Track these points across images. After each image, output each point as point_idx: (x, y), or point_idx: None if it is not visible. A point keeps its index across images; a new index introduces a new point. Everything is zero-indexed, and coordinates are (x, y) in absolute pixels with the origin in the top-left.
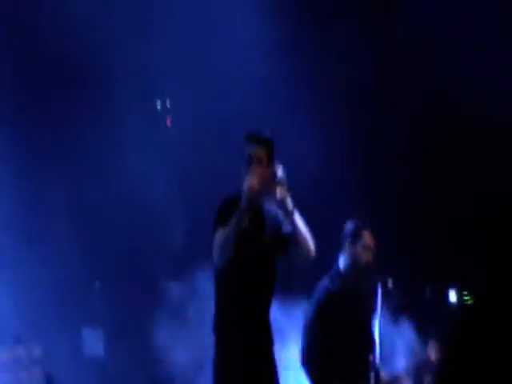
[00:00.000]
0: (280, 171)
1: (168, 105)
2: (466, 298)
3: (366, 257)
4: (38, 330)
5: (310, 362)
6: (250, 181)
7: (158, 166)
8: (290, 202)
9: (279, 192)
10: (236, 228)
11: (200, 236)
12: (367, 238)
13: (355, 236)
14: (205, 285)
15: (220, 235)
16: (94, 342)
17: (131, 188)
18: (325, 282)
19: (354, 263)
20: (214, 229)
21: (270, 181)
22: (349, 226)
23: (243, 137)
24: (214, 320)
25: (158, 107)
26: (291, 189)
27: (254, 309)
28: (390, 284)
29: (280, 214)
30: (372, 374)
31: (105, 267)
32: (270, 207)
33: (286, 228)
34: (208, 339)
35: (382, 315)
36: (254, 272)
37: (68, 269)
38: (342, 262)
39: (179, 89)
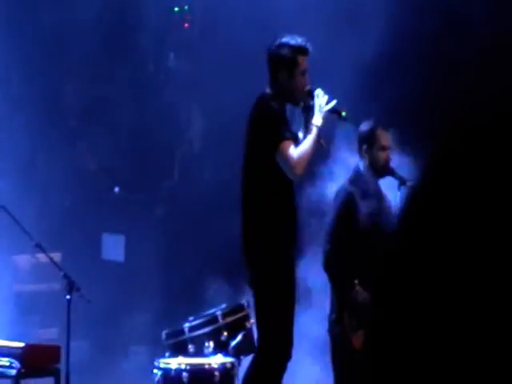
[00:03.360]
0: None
1: (186, 8)
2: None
3: (383, 156)
4: (58, 237)
5: (333, 266)
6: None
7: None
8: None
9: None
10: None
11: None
12: (382, 137)
13: (370, 138)
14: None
15: (301, 149)
16: (114, 248)
17: (147, 94)
18: (346, 185)
19: (372, 165)
20: (272, 142)
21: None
22: (363, 128)
23: (289, 46)
24: (256, 228)
25: (176, 9)
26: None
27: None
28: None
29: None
30: None
31: (124, 174)
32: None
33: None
34: None
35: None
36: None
37: (87, 175)
38: (361, 164)
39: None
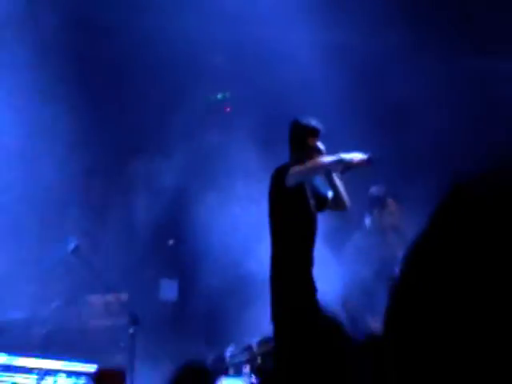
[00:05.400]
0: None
1: (227, 96)
2: None
3: (390, 220)
4: (125, 280)
5: (346, 301)
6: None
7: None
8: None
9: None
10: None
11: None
12: (392, 205)
13: (381, 204)
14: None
15: (313, 163)
16: (169, 290)
17: (197, 163)
18: (356, 236)
19: (380, 225)
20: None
21: None
22: (375, 193)
23: (301, 126)
24: (276, 267)
25: (219, 97)
26: None
27: (310, 253)
28: None
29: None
30: None
31: (178, 228)
32: None
33: (322, 192)
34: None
35: None
36: (313, 224)
37: (148, 230)
38: (369, 222)
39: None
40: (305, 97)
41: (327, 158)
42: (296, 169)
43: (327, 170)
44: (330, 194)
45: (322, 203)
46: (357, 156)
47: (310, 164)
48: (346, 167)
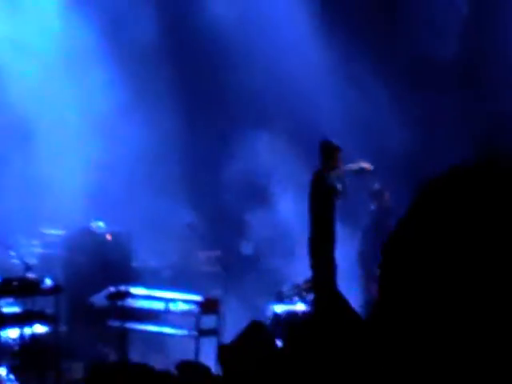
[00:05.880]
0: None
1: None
2: None
3: (386, 205)
4: (220, 242)
5: (362, 252)
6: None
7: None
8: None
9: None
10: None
11: None
12: (386, 196)
13: (380, 196)
14: None
15: (338, 171)
16: (247, 248)
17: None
18: (366, 219)
19: (380, 209)
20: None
21: None
22: (376, 188)
23: (331, 145)
24: (314, 231)
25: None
26: None
27: (333, 224)
28: None
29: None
30: None
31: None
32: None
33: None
34: None
35: None
36: (335, 206)
37: (233, 212)
38: (374, 207)
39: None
40: (325, 120)
41: (353, 166)
42: (334, 172)
43: (350, 173)
44: (339, 186)
45: (335, 192)
46: (367, 165)
47: (342, 169)
48: (360, 171)
